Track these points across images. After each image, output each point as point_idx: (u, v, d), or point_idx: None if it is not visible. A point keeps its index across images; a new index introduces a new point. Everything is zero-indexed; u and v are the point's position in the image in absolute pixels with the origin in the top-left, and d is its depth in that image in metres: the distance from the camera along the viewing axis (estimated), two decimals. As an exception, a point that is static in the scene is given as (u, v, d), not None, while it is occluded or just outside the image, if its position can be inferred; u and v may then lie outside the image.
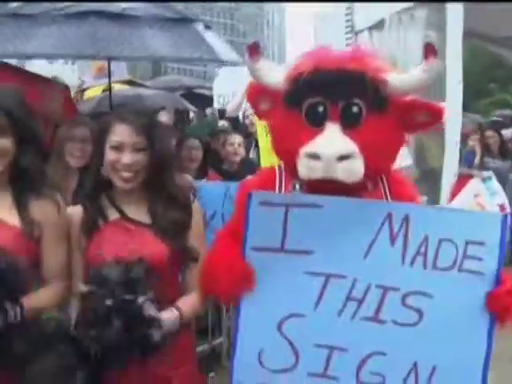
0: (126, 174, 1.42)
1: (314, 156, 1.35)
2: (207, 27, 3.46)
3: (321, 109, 1.40)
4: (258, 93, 1.56)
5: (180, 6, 6.38)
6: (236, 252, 1.43)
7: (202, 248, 1.54)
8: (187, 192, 1.59)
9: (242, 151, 3.68)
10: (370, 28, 3.90)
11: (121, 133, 1.44)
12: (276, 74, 1.48)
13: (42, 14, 2.93)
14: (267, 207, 1.42)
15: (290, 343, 1.44)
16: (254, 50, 1.49)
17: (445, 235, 1.38)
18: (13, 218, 1.39)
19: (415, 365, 1.40)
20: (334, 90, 1.38)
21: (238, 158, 3.67)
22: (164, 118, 3.78)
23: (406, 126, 1.46)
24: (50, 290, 1.44)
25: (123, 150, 1.43)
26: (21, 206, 1.40)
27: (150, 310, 1.29)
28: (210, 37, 3.33)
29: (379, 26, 3.79)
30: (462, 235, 1.39)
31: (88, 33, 2.95)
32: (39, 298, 1.39)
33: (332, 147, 1.35)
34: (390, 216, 1.40)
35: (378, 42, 3.83)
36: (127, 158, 1.42)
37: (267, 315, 1.45)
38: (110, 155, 1.44)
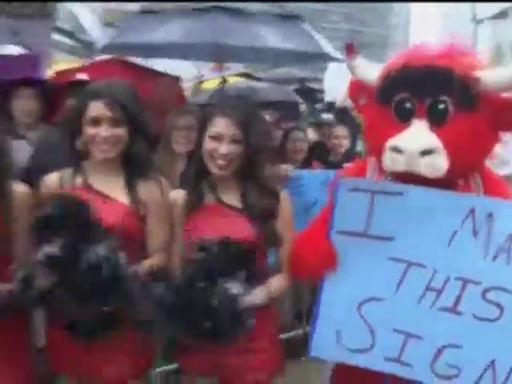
0: (221, 162, 1.58)
1: (397, 150, 1.41)
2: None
3: (408, 105, 1.45)
4: (357, 89, 1.66)
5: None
6: (322, 234, 1.53)
7: (289, 233, 1.66)
8: (276, 181, 1.72)
9: (346, 143, 3.75)
10: (493, 18, 3.76)
11: (220, 125, 1.59)
12: (372, 72, 1.57)
13: (168, 11, 3.26)
14: (354, 193, 1.52)
15: (368, 325, 1.51)
16: (351, 49, 1.60)
17: None
18: (123, 198, 1.61)
19: (492, 363, 1.40)
20: (421, 87, 1.42)
21: (342, 150, 3.76)
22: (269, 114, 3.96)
23: (502, 125, 1.45)
24: (153, 260, 1.65)
25: (221, 141, 1.58)
26: (130, 188, 1.62)
27: (235, 289, 1.43)
28: (317, 35, 3.49)
29: (502, 15, 3.64)
30: None
31: (209, 25, 3.22)
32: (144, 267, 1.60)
33: (415, 142, 1.39)
34: (473, 210, 1.41)
35: (502, 32, 3.68)
36: (224, 148, 1.57)
37: (348, 296, 1.53)
38: (208, 144, 1.60)
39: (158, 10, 3.48)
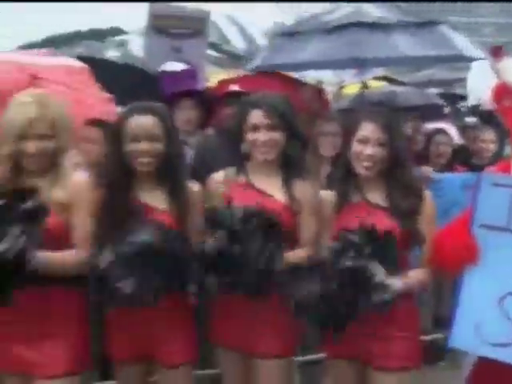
0: (366, 164, 1.74)
1: None
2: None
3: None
4: (502, 91, 1.71)
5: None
6: (464, 229, 1.61)
7: (432, 231, 1.75)
8: (420, 182, 1.83)
9: (493, 147, 3.65)
10: None
11: (367, 129, 1.76)
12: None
13: (311, 31, 3.50)
14: (496, 188, 1.58)
15: (510, 319, 1.55)
16: (498, 52, 1.67)
17: None
18: (281, 195, 1.83)
19: None
20: None
21: (489, 154, 3.68)
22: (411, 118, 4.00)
23: None
24: (305, 251, 1.84)
25: (367, 144, 1.74)
26: (287, 186, 1.83)
27: (380, 274, 1.57)
28: (456, 36, 3.48)
29: None
30: None
31: (350, 40, 3.40)
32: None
33: None
34: None
35: None
36: (370, 150, 1.74)
37: (489, 290, 1.59)
38: (356, 147, 1.77)
39: (301, 31, 3.72)
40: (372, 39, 3.33)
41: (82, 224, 1.73)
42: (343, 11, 3.69)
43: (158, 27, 4.00)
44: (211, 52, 15.83)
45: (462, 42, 3.58)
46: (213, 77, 4.78)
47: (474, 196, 1.63)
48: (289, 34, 3.71)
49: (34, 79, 2.83)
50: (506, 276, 1.57)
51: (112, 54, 12.94)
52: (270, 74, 3.79)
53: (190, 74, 3.63)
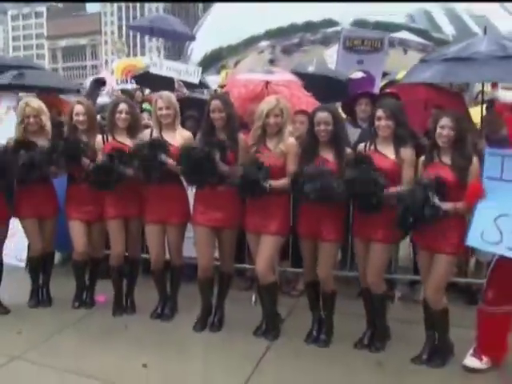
0: (443, 140, 3.43)
1: None
2: None
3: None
4: None
5: None
6: (479, 179, 3.21)
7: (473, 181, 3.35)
8: (471, 151, 3.42)
9: None
10: None
11: (444, 121, 3.43)
12: None
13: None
14: (493, 156, 3.15)
15: (500, 230, 3.12)
16: None
17: None
18: (393, 156, 3.61)
19: None
20: None
21: None
22: None
23: None
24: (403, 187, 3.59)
25: (443, 129, 3.42)
26: (395, 151, 3.60)
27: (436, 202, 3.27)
28: None
29: None
30: None
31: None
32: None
33: None
34: None
35: None
36: (445, 132, 3.43)
37: (489, 213, 3.18)
38: (438, 130, 3.44)
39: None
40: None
41: (292, 163, 3.77)
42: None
43: (348, 46, 5.95)
44: (419, 39, 17.18)
45: None
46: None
47: (483, 162, 3.20)
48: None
49: (267, 84, 5.02)
50: (499, 205, 3.13)
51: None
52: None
53: (369, 80, 5.51)
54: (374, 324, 3.95)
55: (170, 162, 4.03)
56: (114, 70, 9.33)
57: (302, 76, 5.35)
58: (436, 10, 17.59)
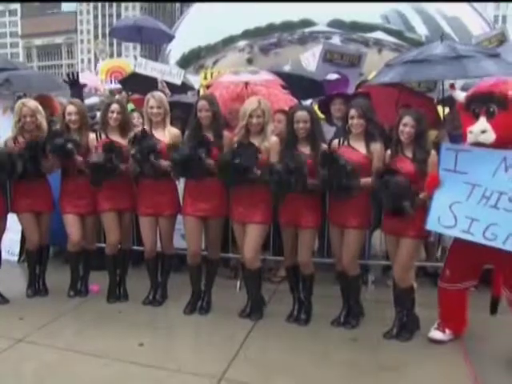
0: (406, 136, 3.82)
1: (471, 132, 3.40)
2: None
3: (477, 110, 3.40)
4: None
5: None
6: (436, 170, 3.62)
7: (430, 171, 3.76)
8: (430, 145, 3.84)
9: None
10: None
11: (406, 119, 3.84)
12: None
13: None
14: (448, 150, 3.57)
15: (454, 215, 3.54)
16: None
17: None
18: (364, 150, 4.01)
19: (510, 233, 3.28)
20: (482, 102, 3.37)
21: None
22: None
23: None
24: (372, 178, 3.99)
25: (406, 126, 3.82)
26: (366, 146, 4.00)
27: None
28: None
29: None
30: None
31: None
32: None
33: (478, 128, 3.36)
34: (505, 158, 3.32)
35: None
36: (407, 129, 3.82)
37: (445, 200, 3.60)
38: (401, 128, 3.84)
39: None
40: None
41: (274, 158, 4.13)
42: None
43: (328, 59, 6.38)
44: (393, 39, 17.72)
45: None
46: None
47: (439, 155, 3.62)
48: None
49: (246, 85, 5.39)
50: (452, 194, 3.54)
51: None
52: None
53: (343, 82, 5.93)
54: (348, 304, 4.35)
55: (162, 162, 4.39)
56: (99, 71, 9.60)
57: (279, 75, 5.74)
58: (409, 11, 18.15)
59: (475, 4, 20.81)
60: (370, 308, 4.58)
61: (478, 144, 3.44)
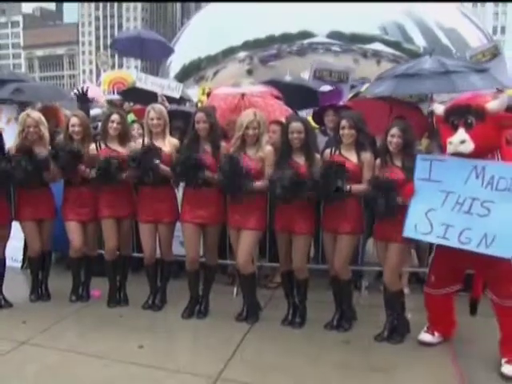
0: (393, 146, 3.99)
1: (450, 142, 3.56)
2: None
3: (456, 122, 3.57)
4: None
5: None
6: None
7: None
8: (415, 156, 4.01)
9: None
10: None
11: (393, 131, 4.02)
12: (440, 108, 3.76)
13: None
14: (423, 161, 3.76)
15: (430, 222, 3.70)
16: None
17: (502, 175, 3.40)
18: (355, 159, 4.18)
19: (485, 234, 3.45)
20: (460, 114, 3.54)
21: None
22: None
23: (502, 127, 3.47)
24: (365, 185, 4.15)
25: (394, 137, 4.00)
26: (357, 155, 4.17)
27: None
28: None
29: None
30: (510, 175, 3.36)
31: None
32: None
33: (457, 138, 3.53)
34: (475, 166, 3.51)
35: None
36: (395, 140, 4.00)
37: (421, 208, 3.76)
38: (389, 138, 4.02)
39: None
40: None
41: (269, 167, 4.30)
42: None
43: (318, 76, 6.60)
44: (392, 51, 17.97)
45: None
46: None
47: (415, 165, 3.79)
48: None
49: (243, 96, 5.57)
50: (427, 201, 3.71)
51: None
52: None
53: (336, 94, 6.13)
54: (341, 308, 4.50)
55: (163, 166, 4.54)
56: (102, 82, 9.82)
57: (278, 84, 5.97)
58: (407, 22, 18.39)
59: (473, 15, 21.11)
60: (363, 312, 4.72)
61: (457, 154, 3.60)
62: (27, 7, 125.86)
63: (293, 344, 4.23)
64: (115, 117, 4.85)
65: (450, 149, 3.60)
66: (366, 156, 4.20)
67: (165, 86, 6.84)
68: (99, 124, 5.87)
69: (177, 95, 6.80)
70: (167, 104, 6.45)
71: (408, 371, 3.82)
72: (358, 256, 5.20)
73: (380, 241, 4.21)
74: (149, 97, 6.53)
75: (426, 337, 4.16)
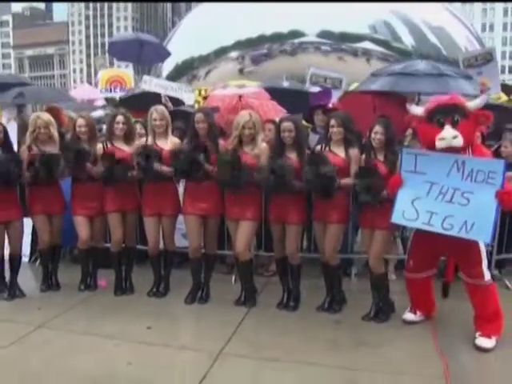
0: (377, 142, 4.40)
1: (443, 138, 3.95)
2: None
3: (442, 120, 3.98)
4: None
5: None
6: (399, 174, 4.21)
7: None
8: (397, 152, 4.42)
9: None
10: None
11: (377, 128, 4.44)
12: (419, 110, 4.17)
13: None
14: (408, 154, 4.17)
15: (416, 210, 4.11)
16: None
17: (480, 168, 3.82)
18: (343, 155, 4.59)
19: (465, 221, 3.87)
20: (446, 112, 3.95)
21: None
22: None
23: (478, 123, 3.94)
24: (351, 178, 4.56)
25: (377, 134, 4.41)
26: (345, 151, 4.58)
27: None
28: None
29: None
30: (487, 168, 3.80)
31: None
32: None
33: (450, 134, 3.93)
34: (457, 160, 3.92)
35: None
36: (378, 136, 4.42)
37: (407, 197, 4.17)
38: (373, 135, 4.43)
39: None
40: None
41: (265, 161, 4.69)
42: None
43: (314, 81, 7.08)
44: (381, 49, 18.43)
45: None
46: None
47: (401, 158, 4.19)
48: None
49: (240, 97, 5.96)
50: (413, 191, 4.12)
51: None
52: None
53: (325, 94, 6.55)
54: (332, 292, 4.90)
55: (164, 168, 4.94)
56: (99, 80, 10.19)
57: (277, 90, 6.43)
58: (395, 21, 18.79)
59: (462, 13, 21.51)
60: (352, 297, 5.13)
61: (450, 148, 3.99)
62: (17, 6, 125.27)
63: (288, 324, 4.63)
64: (120, 118, 5.23)
65: (441, 144, 3.95)
66: (354, 152, 4.61)
67: (168, 87, 7.36)
68: (103, 126, 6.25)
69: (179, 96, 7.25)
70: (170, 104, 6.85)
71: (393, 345, 4.23)
72: (347, 245, 5.62)
73: (365, 228, 4.62)
74: (148, 101, 6.95)
75: (409, 316, 4.58)
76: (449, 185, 3.98)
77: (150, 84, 7.34)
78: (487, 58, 8.06)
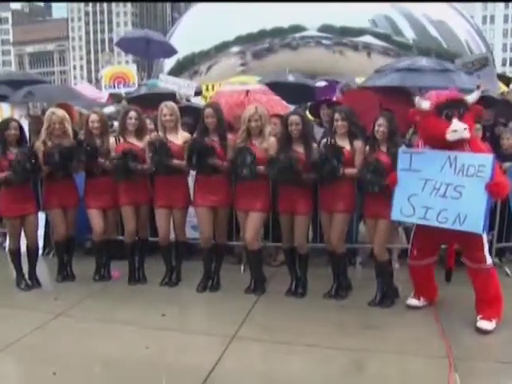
0: (380, 134, 4.60)
1: (455, 131, 4.13)
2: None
3: (450, 113, 4.15)
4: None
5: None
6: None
7: None
8: (400, 143, 4.60)
9: None
10: None
11: (380, 121, 4.63)
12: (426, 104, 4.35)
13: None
14: (404, 153, 4.38)
15: (412, 206, 4.32)
16: None
17: (471, 163, 4.02)
18: (348, 146, 4.78)
19: (458, 214, 4.07)
20: (453, 107, 4.14)
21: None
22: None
23: (475, 117, 4.13)
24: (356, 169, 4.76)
25: (380, 126, 4.61)
26: (350, 142, 4.78)
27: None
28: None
29: None
30: (477, 162, 3.99)
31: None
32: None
33: (461, 126, 4.10)
34: (449, 157, 4.12)
35: None
36: (381, 129, 4.61)
37: (404, 194, 4.37)
38: (376, 127, 4.62)
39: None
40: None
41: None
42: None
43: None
44: (382, 43, 18.58)
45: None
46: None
47: (397, 158, 4.39)
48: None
49: (247, 92, 6.16)
50: (409, 188, 4.31)
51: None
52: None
53: (330, 89, 6.75)
54: (338, 278, 5.11)
55: (176, 162, 5.15)
56: (103, 77, 10.43)
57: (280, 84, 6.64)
58: (396, 15, 18.91)
59: (462, 5, 21.58)
60: (358, 285, 5.34)
61: (461, 140, 4.14)
62: (16, 3, 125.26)
63: (296, 310, 4.84)
64: (132, 113, 5.43)
65: (453, 136, 4.09)
66: (358, 144, 4.80)
67: (181, 84, 7.94)
68: (114, 122, 6.44)
69: (191, 92, 7.64)
70: (185, 100, 7.18)
71: (398, 328, 4.44)
72: (352, 235, 5.81)
73: (370, 218, 4.82)
74: (152, 100, 7.22)
75: (412, 301, 4.79)
76: (442, 180, 4.17)
77: (167, 81, 7.98)
78: (482, 62, 8.25)
